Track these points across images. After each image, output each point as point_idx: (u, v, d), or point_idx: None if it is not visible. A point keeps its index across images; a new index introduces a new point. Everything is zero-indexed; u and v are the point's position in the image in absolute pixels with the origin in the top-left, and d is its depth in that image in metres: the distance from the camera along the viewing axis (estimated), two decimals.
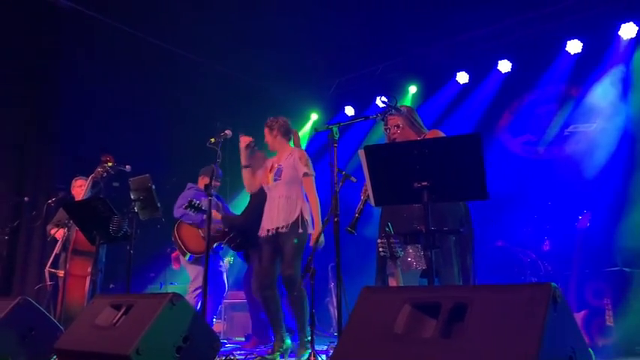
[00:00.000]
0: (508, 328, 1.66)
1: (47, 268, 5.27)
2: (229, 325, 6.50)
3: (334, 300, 6.26)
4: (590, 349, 1.86)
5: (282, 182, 4.31)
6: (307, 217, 4.27)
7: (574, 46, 6.29)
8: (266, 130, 4.55)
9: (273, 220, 4.28)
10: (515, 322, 1.66)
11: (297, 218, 4.21)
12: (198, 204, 4.83)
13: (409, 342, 1.87)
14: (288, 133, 4.56)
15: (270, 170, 4.46)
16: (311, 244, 4.09)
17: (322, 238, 4.06)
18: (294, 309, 4.22)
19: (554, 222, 5.43)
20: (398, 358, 1.85)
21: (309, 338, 3.91)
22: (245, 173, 4.56)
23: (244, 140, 4.47)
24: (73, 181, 5.67)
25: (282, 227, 4.20)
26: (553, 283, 1.70)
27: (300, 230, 4.19)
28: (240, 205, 6.79)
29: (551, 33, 6.39)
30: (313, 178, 4.35)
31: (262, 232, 4.34)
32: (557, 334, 1.66)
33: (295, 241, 4.17)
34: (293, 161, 4.35)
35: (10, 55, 6.14)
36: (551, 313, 1.64)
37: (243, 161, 4.52)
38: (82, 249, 5.09)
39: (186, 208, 4.84)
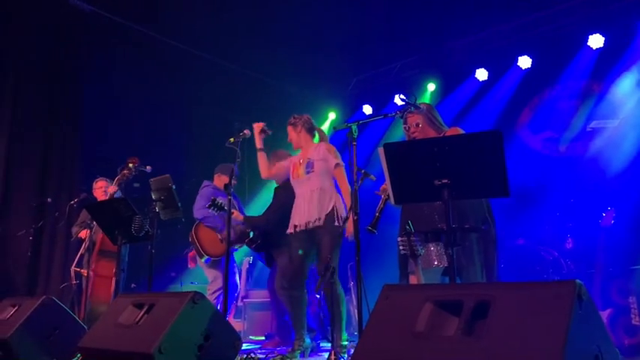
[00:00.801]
0: (532, 325, 1.64)
1: (72, 267, 5.34)
2: (249, 325, 6.52)
3: (354, 299, 6.23)
4: (616, 349, 1.82)
5: (316, 174, 4.25)
6: (342, 210, 4.19)
7: (596, 41, 6.17)
8: (289, 128, 4.53)
9: (303, 214, 4.21)
10: (539, 319, 1.63)
11: (332, 211, 4.15)
12: (222, 203, 4.74)
13: (431, 340, 1.85)
14: (312, 130, 4.54)
15: (300, 164, 4.40)
16: (347, 235, 4.06)
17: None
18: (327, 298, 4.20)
19: (576, 219, 5.35)
20: (419, 357, 1.83)
21: (345, 343, 3.94)
22: (260, 156, 4.60)
23: (257, 126, 4.53)
24: (94, 182, 5.72)
25: (317, 220, 4.13)
26: (578, 280, 1.66)
27: (337, 224, 4.11)
28: (258, 205, 6.81)
29: (572, 28, 6.29)
30: (344, 168, 4.31)
31: (291, 229, 4.28)
32: (583, 332, 1.63)
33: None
34: (322, 153, 4.31)
35: (33, 57, 6.24)
36: (576, 310, 1.61)
37: (258, 144, 4.56)
38: (108, 249, 5.12)
39: (209, 207, 4.73)
